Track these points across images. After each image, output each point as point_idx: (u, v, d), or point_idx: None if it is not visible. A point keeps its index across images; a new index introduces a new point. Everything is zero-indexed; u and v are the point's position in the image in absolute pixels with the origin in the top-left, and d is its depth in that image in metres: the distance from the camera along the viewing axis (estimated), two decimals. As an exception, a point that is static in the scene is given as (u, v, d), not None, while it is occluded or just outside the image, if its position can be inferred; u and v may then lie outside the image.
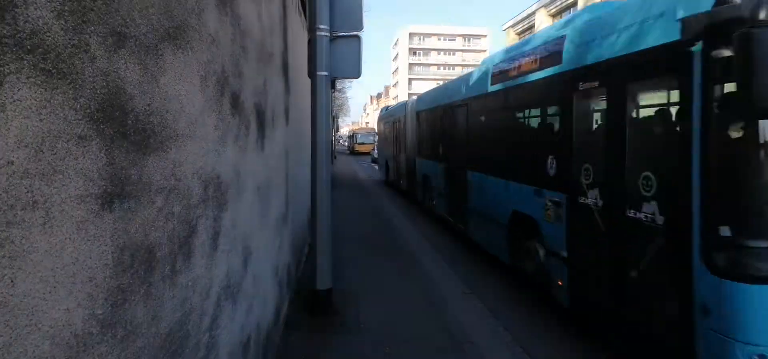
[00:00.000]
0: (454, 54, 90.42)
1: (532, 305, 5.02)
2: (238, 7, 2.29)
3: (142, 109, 1.27)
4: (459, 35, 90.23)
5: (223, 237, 2.03)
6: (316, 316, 4.30)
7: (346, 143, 64.91)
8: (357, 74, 4.22)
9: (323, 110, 4.11)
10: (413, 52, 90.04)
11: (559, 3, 27.40)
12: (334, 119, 36.69)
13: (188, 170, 1.60)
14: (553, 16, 28.70)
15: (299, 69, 5.08)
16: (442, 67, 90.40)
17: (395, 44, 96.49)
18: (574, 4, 25.91)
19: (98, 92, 1.07)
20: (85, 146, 1.02)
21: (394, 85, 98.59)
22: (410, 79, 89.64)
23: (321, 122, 4.10)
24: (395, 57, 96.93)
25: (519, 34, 33.47)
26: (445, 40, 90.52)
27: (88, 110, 1.03)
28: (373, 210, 10.81)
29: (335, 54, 4.16)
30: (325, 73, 4.09)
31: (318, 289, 4.29)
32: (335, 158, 31.29)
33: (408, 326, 4.20)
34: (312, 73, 4.13)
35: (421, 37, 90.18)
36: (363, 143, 43.08)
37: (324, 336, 3.96)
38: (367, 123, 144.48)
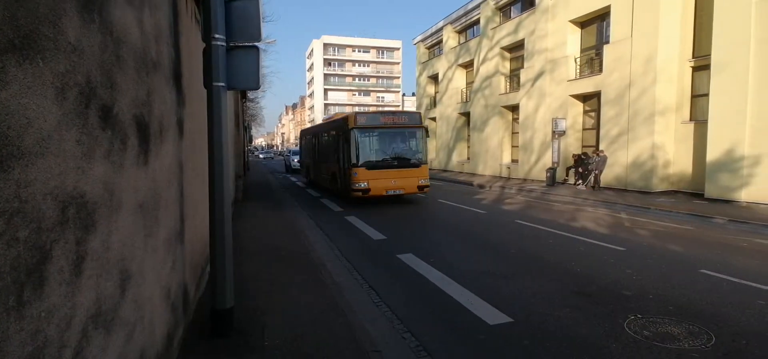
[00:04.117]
0: (368, 65, 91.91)
1: (435, 307, 5.23)
2: (109, 14, 2.14)
3: (-32, 125, 1.14)
4: (373, 47, 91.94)
5: (91, 261, 1.87)
6: (217, 337, 4.10)
7: (285, 157, 37.94)
8: (256, 86, 4.13)
9: (221, 121, 3.96)
10: (328, 62, 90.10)
11: (463, 21, 29.02)
12: (247, 129, 35.18)
13: (38, 190, 1.46)
14: (458, 32, 30.36)
15: (198, 80, 4.85)
16: (357, 78, 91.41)
17: (310, 54, 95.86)
18: (477, 22, 27.63)
19: None
20: None
21: (310, 95, 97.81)
22: (326, 90, 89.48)
23: (219, 134, 3.95)
24: (310, 67, 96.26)
25: (428, 48, 34.90)
26: (359, 51, 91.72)
27: None
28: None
29: (233, 64, 4.03)
30: (222, 84, 3.95)
31: (218, 308, 4.10)
32: (248, 169, 30.15)
33: (315, 339, 4.16)
34: (208, 84, 3.97)
35: (336, 48, 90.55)
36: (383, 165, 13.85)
37: (223, 358, 3.79)
38: (283, 134, 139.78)
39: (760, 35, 12.86)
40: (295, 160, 31.00)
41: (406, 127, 14.60)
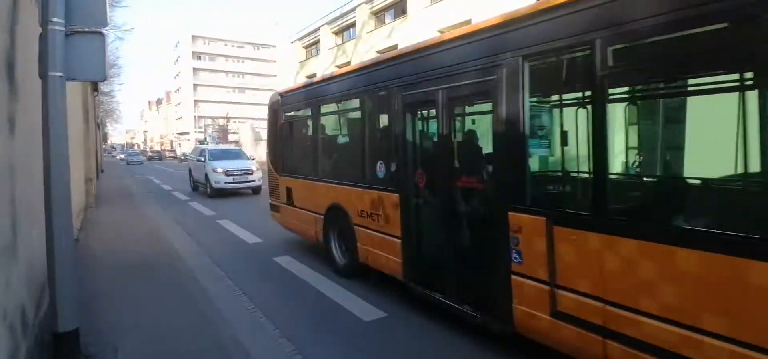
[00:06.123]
0: (243, 62, 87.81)
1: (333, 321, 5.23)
2: None
3: None
4: (248, 43, 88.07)
5: None
6: (59, 363, 3.59)
7: (191, 163, 19.56)
8: (101, 77, 3.72)
9: (59, 117, 3.46)
10: (198, 56, 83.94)
11: (340, 23, 29.42)
12: (100, 126, 31.24)
13: None
14: (336, 33, 30.67)
15: (36, 70, 4.19)
16: (230, 75, 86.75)
17: (176, 46, 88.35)
18: (353, 25, 28.22)
19: None
20: None
21: (177, 90, 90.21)
22: (195, 85, 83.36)
23: (56, 131, 3.45)
24: (177, 60, 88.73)
25: (306, 47, 34.68)
26: (233, 46, 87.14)
27: None
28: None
29: (74, 52, 3.55)
30: (60, 74, 3.46)
31: (60, 331, 3.59)
32: (102, 171, 26.85)
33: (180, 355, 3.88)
34: (43, 74, 3.45)
35: (207, 41, 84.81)
36: None
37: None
38: (145, 131, 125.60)
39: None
40: (220, 170, 16.08)
41: None
